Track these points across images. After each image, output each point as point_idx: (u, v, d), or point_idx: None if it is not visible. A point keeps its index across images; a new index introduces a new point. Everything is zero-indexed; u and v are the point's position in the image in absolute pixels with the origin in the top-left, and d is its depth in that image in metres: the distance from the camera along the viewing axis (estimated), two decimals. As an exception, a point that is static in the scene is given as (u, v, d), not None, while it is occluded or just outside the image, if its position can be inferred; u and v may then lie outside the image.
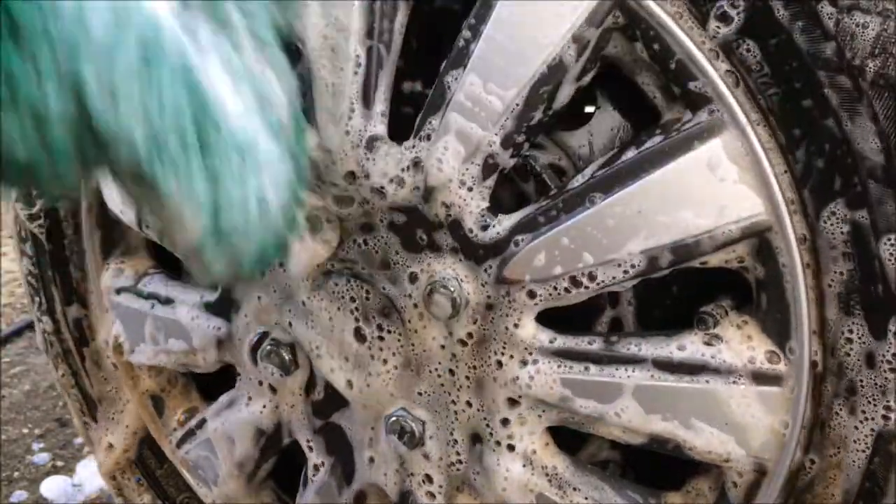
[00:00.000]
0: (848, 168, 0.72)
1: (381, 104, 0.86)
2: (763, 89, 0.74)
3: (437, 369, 0.92)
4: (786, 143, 0.75)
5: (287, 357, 1.00)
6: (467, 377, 0.91)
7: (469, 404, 0.92)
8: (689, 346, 0.82)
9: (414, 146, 0.84)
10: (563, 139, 0.93)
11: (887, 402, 0.77)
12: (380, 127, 0.86)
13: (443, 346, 0.91)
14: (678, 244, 0.78)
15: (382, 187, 0.86)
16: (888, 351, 0.75)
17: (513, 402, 0.89)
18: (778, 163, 0.75)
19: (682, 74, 0.77)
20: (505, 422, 0.90)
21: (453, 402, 0.93)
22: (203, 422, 1.14)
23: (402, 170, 0.85)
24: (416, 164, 0.84)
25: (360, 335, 0.95)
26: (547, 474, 0.91)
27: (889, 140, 0.70)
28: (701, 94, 0.77)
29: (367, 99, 0.86)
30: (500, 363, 0.88)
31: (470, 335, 0.89)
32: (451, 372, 0.92)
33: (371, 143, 0.85)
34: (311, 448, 1.06)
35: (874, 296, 0.75)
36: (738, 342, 0.82)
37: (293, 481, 1.11)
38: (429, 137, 0.84)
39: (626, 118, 0.92)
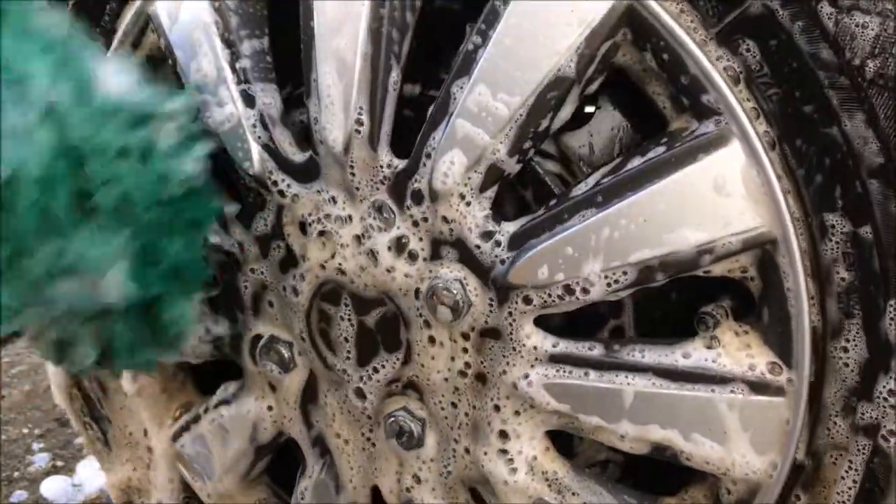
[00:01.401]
0: (850, 173, 0.72)
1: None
2: (763, 90, 0.74)
3: (440, 401, 0.93)
4: (790, 151, 0.75)
5: (286, 354, 1.00)
6: (467, 414, 0.92)
7: (467, 451, 0.93)
8: (694, 353, 0.82)
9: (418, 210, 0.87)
10: (564, 140, 0.94)
11: (886, 426, 0.77)
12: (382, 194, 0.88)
13: (446, 379, 0.91)
14: (681, 255, 0.78)
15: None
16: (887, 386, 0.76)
17: (504, 434, 0.90)
18: (783, 174, 0.76)
19: (694, 87, 0.77)
20: (503, 452, 0.91)
21: (455, 440, 0.94)
22: (198, 417, 1.14)
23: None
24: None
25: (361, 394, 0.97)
26: (547, 479, 0.90)
27: (889, 142, 0.70)
28: (710, 105, 0.77)
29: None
30: (497, 407, 0.89)
31: (468, 364, 0.89)
32: (454, 405, 0.93)
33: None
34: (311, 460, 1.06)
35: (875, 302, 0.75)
36: (737, 349, 0.82)
37: (290, 477, 1.12)
38: (429, 156, 0.84)
39: (627, 118, 0.92)
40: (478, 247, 0.85)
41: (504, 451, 0.90)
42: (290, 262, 0.96)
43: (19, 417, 2.17)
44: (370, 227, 0.89)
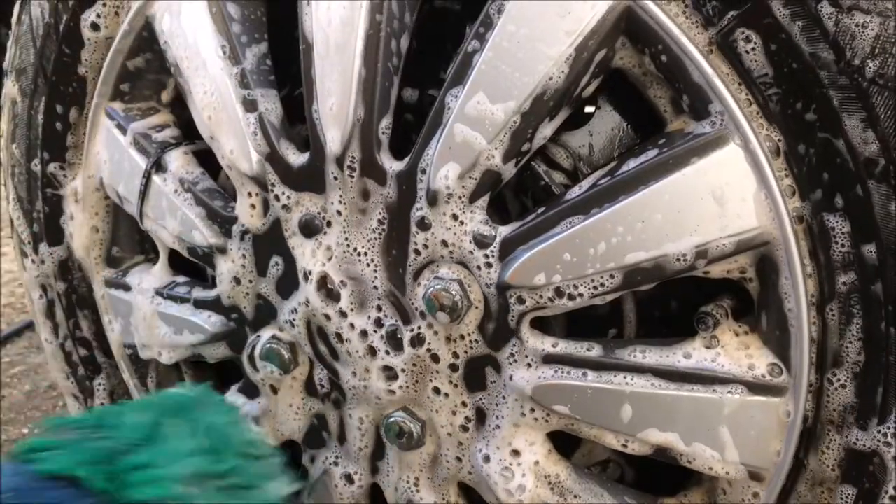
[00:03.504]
0: (851, 176, 0.72)
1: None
2: (764, 90, 0.74)
3: (446, 454, 0.94)
4: (789, 152, 0.74)
5: (287, 356, 1.00)
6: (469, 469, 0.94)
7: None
8: (695, 353, 0.82)
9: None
10: (564, 140, 0.93)
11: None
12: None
13: (450, 434, 0.93)
14: (673, 258, 0.78)
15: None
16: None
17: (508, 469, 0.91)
18: (782, 175, 0.75)
19: (693, 93, 0.77)
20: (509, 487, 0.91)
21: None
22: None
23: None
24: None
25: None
26: (550, 483, 0.90)
27: (889, 142, 0.70)
28: (706, 106, 0.76)
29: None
30: (487, 457, 0.91)
31: (468, 419, 0.91)
32: (459, 459, 0.94)
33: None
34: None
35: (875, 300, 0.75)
36: (736, 349, 0.82)
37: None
38: (424, 171, 0.84)
39: (626, 118, 0.92)
40: (479, 268, 0.85)
41: (510, 486, 0.91)
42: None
43: (19, 417, 2.16)
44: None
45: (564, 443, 0.94)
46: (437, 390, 0.92)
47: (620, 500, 0.90)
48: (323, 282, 0.93)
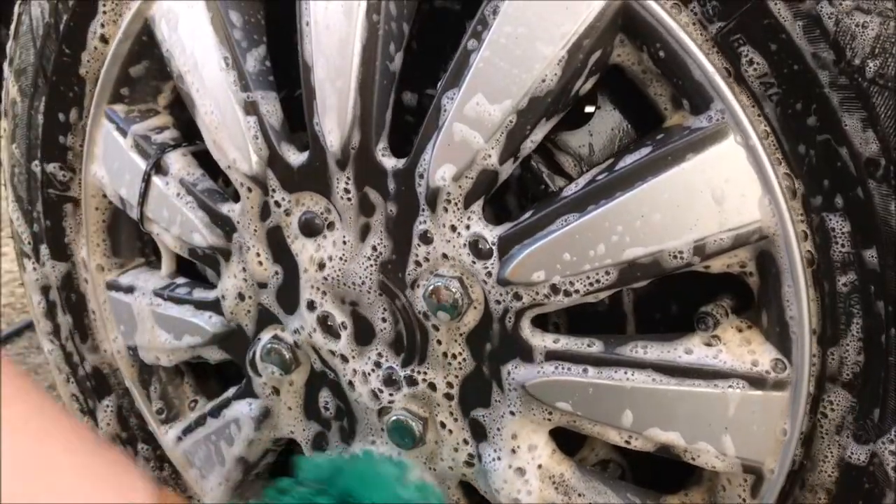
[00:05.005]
0: (851, 177, 0.72)
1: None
2: (764, 90, 0.74)
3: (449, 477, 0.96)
4: (788, 150, 0.75)
5: (287, 356, 1.00)
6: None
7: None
8: (696, 350, 0.82)
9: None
10: (564, 139, 0.94)
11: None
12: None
13: (451, 468, 0.95)
14: (669, 254, 0.78)
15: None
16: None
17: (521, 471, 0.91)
18: (781, 172, 0.75)
19: (692, 89, 0.77)
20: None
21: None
22: (203, 418, 1.14)
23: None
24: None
25: None
26: (554, 482, 0.91)
27: (889, 142, 0.70)
28: (706, 101, 0.76)
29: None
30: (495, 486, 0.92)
31: (471, 455, 0.93)
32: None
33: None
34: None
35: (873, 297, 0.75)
36: (738, 345, 0.82)
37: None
38: (422, 176, 0.84)
39: (627, 117, 0.92)
40: (483, 280, 0.86)
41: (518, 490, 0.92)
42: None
43: (20, 417, 2.16)
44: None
45: (567, 441, 0.94)
46: (443, 424, 0.93)
47: (624, 498, 0.91)
48: (324, 320, 0.95)
